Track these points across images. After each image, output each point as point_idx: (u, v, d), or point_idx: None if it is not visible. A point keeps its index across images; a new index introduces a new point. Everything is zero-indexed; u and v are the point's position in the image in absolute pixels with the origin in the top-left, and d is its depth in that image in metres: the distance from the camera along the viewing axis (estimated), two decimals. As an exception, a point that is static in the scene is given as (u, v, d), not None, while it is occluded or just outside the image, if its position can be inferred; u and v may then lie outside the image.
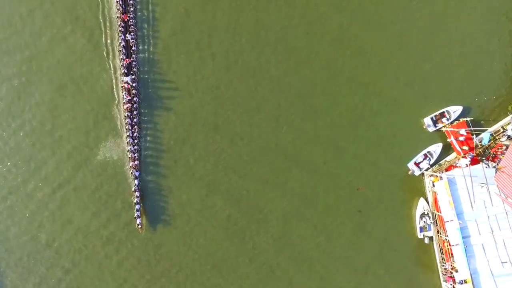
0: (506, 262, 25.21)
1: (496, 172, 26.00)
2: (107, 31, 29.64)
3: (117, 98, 29.50)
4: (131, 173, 28.60)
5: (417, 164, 28.73)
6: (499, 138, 28.54)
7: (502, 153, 27.11)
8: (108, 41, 29.72)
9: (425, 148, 28.91)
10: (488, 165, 26.49)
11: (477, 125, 28.78)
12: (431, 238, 28.61)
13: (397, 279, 29.29)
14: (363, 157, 29.65)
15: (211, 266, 28.42)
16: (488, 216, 25.70)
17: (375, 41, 30.37)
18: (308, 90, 30.18)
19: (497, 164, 26.16)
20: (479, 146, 28.16)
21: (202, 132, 29.61)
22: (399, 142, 29.36)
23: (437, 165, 28.78)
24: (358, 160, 29.64)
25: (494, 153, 28.07)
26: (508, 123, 28.38)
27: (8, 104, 29.98)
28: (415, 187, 29.15)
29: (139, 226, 27.93)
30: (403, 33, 30.38)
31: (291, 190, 29.33)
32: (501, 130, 28.43)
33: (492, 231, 25.50)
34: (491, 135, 28.62)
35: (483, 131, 27.88)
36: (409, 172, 28.92)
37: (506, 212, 25.32)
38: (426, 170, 28.62)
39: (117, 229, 28.72)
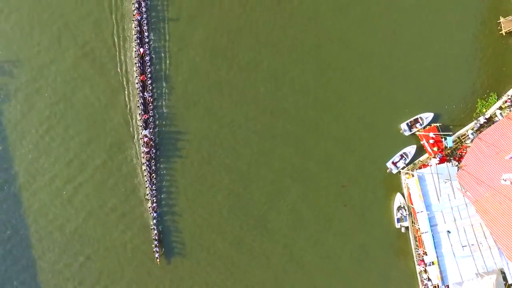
0: (465, 245, 30.51)
1: (458, 170, 31.22)
2: (129, 90, 33.83)
3: (137, 148, 33.73)
4: (150, 213, 33.19)
5: (394, 164, 33.92)
6: (464, 141, 33.80)
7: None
8: (127, 98, 33.96)
9: (402, 150, 34.01)
10: (453, 164, 31.64)
11: (446, 130, 33.95)
12: (407, 228, 33.88)
13: (378, 264, 34.54)
14: (348, 159, 34.75)
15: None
16: (452, 208, 30.94)
17: (354, 56, 35.33)
18: (295, 104, 34.89)
19: (459, 163, 31.37)
20: (448, 148, 33.39)
21: (212, 175, 33.91)
22: (379, 144, 34.43)
23: (411, 164, 33.98)
24: (344, 161, 34.77)
25: (460, 153, 33.30)
26: (472, 128, 33.66)
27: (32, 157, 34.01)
28: (393, 184, 34.35)
29: (157, 259, 32.73)
30: (380, 49, 35.31)
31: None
32: (466, 134, 33.67)
33: (455, 220, 30.77)
34: (458, 138, 33.90)
35: (451, 135, 33.04)
36: (388, 171, 34.11)
37: (466, 204, 30.55)
38: (402, 168, 33.79)
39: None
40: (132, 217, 33.63)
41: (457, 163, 31.67)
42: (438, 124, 33.80)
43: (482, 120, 33.70)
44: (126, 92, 34.05)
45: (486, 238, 30.21)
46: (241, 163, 34.27)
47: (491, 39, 35.07)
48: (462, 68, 35.15)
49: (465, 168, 30.75)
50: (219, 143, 34.19)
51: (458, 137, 34.04)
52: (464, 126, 34.23)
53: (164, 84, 34.29)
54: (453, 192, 31.01)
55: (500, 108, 33.80)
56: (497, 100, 34.06)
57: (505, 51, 34.73)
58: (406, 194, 33.47)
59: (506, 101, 33.59)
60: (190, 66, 34.54)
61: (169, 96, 34.36)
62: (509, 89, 34.20)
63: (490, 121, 33.77)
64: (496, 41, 34.94)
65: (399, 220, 33.63)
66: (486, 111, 34.00)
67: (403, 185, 33.64)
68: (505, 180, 29.00)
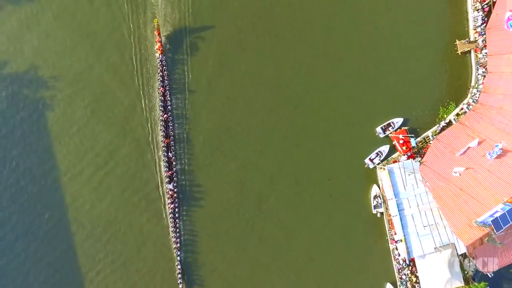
0: (426, 226, 39.05)
1: (420, 165, 39.83)
2: (155, 150, 41.64)
3: (162, 198, 41.70)
4: (175, 252, 41.08)
5: (371, 160, 42.32)
6: (429, 141, 42.41)
7: (429, 152, 40.96)
8: (156, 158, 41.79)
9: (377, 148, 42.33)
10: (416, 160, 40.26)
11: (413, 132, 42.47)
12: (381, 213, 42.44)
13: (359, 244, 42.83)
14: (333, 157, 43.04)
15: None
16: (415, 195, 39.50)
17: (343, 71, 43.74)
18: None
19: (421, 159, 40.00)
20: (414, 147, 42.00)
21: (228, 219, 41.89)
22: (359, 144, 42.60)
23: (385, 161, 42.44)
24: (330, 158, 43.14)
25: (425, 152, 41.90)
26: (435, 131, 42.25)
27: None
28: (370, 177, 42.69)
29: (180, 286, 40.72)
30: (362, 66, 43.68)
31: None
32: (430, 135, 42.29)
33: (418, 205, 39.35)
34: (423, 139, 42.45)
35: (414, 136, 41.63)
36: (365, 166, 42.54)
37: (426, 192, 39.08)
38: (378, 164, 42.31)
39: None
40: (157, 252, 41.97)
41: (420, 159, 40.23)
42: (407, 128, 42.23)
43: (442, 124, 42.30)
44: (153, 151, 41.83)
45: (441, 219, 38.78)
46: (248, 203, 42.39)
47: (450, 58, 43.56)
48: (427, 81, 43.52)
49: (426, 163, 39.36)
50: (231, 191, 42.44)
51: (424, 138, 42.57)
52: (429, 129, 42.62)
53: (185, 145, 42.38)
54: (416, 182, 39.59)
55: (457, 114, 42.39)
56: (455, 108, 42.67)
57: (461, 67, 43.28)
58: (380, 185, 41.98)
59: (462, 109, 42.21)
60: (206, 130, 42.49)
61: (189, 155, 42.41)
62: (464, 99, 42.85)
63: (449, 125, 42.35)
64: (454, 59, 43.44)
65: (375, 207, 42.10)
66: (446, 117, 42.49)
67: (378, 178, 42.12)
68: (455, 172, 37.63)
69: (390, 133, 42.21)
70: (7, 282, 41.62)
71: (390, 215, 40.44)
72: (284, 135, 43.26)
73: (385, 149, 42.35)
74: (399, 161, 41.07)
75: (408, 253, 39.48)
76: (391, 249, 42.29)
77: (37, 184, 41.99)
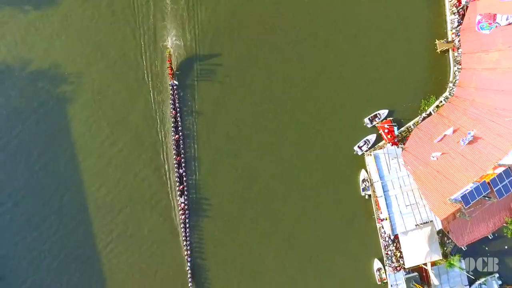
0: (408, 205, 44.68)
1: (402, 151, 45.49)
2: (168, 167, 47.49)
3: (175, 213, 47.52)
4: (186, 259, 46.71)
5: (360, 147, 47.92)
6: (411, 130, 48.00)
7: (411, 140, 46.59)
8: (168, 174, 47.55)
9: (365, 137, 48.02)
10: (399, 147, 45.92)
11: (397, 122, 48.14)
12: (369, 195, 48.08)
13: (349, 223, 48.50)
14: (326, 144, 48.72)
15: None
16: (398, 177, 45.14)
17: (336, 68, 49.36)
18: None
19: (403, 146, 45.68)
20: (399, 135, 47.64)
21: (232, 229, 47.75)
22: (348, 133, 48.18)
23: (372, 148, 48.12)
24: (323, 146, 48.78)
25: (407, 139, 47.48)
26: (417, 121, 47.87)
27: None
28: (359, 162, 48.27)
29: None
30: (352, 65, 49.33)
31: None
32: (412, 125, 47.92)
33: (401, 187, 44.99)
34: (407, 128, 48.03)
35: (397, 126, 47.25)
36: (355, 153, 48.17)
37: (408, 175, 44.71)
38: (365, 151, 47.92)
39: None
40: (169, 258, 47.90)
41: (402, 145, 45.89)
42: (391, 118, 47.95)
43: (424, 115, 47.96)
44: (165, 168, 47.74)
45: (421, 199, 44.40)
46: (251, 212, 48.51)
47: (431, 56, 49.24)
48: (410, 77, 49.13)
49: (407, 149, 45.02)
50: (235, 203, 48.32)
51: (407, 128, 48.21)
52: (411, 120, 48.32)
53: (194, 162, 48.32)
54: (399, 166, 45.24)
55: (437, 106, 48.10)
56: (435, 101, 48.33)
57: (441, 65, 48.95)
58: (368, 170, 47.58)
59: (441, 101, 47.91)
60: (213, 149, 48.40)
61: (198, 171, 48.35)
62: (443, 93, 48.55)
63: (430, 116, 48.04)
64: (434, 57, 49.13)
65: (363, 189, 47.72)
66: (427, 108, 48.15)
67: (366, 163, 47.74)
68: (433, 157, 43.27)
69: (377, 123, 47.85)
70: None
71: (376, 196, 45.96)
72: (282, 139, 49.00)
73: (372, 137, 47.97)
74: (384, 148, 46.61)
75: (392, 230, 45.05)
76: (378, 228, 47.91)
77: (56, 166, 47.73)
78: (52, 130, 48.53)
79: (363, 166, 48.22)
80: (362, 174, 47.73)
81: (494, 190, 38.55)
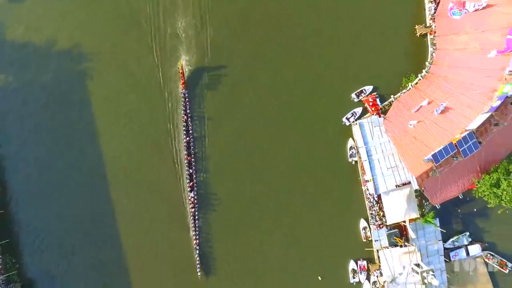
0: (389, 167, 51.82)
1: (384, 120, 52.66)
2: (179, 166, 54.84)
3: (185, 204, 54.73)
4: (195, 247, 53.83)
5: (347, 119, 54.90)
6: (391, 103, 55.10)
7: (393, 112, 53.79)
8: (180, 173, 54.88)
9: (352, 110, 55.21)
10: (381, 117, 53.05)
11: (381, 97, 55.15)
12: (356, 162, 55.19)
13: (337, 186, 55.58)
14: (318, 117, 55.78)
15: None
16: (380, 143, 52.25)
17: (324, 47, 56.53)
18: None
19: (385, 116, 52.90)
20: (382, 108, 54.73)
21: (237, 221, 54.91)
22: (337, 107, 55.35)
23: (359, 119, 55.25)
24: (314, 119, 55.75)
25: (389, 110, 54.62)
26: (398, 96, 54.99)
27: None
28: (347, 132, 55.17)
29: (199, 274, 53.65)
30: (341, 45, 56.54)
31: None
32: (393, 99, 55.04)
33: (382, 151, 52.13)
34: (389, 102, 55.16)
35: (384, 100, 54.30)
36: (343, 123, 55.28)
37: (388, 141, 51.85)
38: (353, 122, 55.01)
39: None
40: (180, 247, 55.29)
41: (384, 116, 53.07)
42: (376, 93, 55.13)
43: (404, 91, 55.08)
44: (178, 169, 54.97)
45: (400, 162, 51.56)
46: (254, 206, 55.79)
47: (412, 39, 56.17)
48: (393, 57, 55.93)
49: (388, 118, 52.19)
50: (240, 198, 55.53)
51: (389, 102, 55.32)
52: (394, 95, 55.59)
53: (203, 162, 55.71)
54: (381, 133, 52.38)
55: (416, 83, 55.27)
56: (415, 79, 55.46)
57: (420, 47, 56.02)
58: (354, 138, 54.68)
59: (419, 79, 55.04)
60: (220, 150, 55.63)
61: (207, 170, 55.61)
62: (422, 72, 55.69)
63: (409, 90, 55.10)
64: (415, 40, 56.16)
65: (350, 156, 54.81)
66: (408, 85, 55.38)
67: (353, 132, 54.83)
68: (410, 125, 50.42)
69: (363, 97, 54.98)
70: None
71: (361, 160, 53.08)
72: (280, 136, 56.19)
73: (358, 110, 55.12)
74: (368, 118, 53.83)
75: (376, 190, 52.17)
76: (363, 191, 55.03)
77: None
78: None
79: (351, 135, 55.33)
80: (350, 143, 54.83)
81: (460, 150, 45.71)
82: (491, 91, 47.69)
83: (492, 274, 55.74)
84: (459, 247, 55.55)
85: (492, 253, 55.74)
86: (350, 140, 54.88)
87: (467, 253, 55.25)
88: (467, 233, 55.76)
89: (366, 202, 55.01)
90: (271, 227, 55.36)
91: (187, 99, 54.51)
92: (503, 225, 56.25)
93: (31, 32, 55.96)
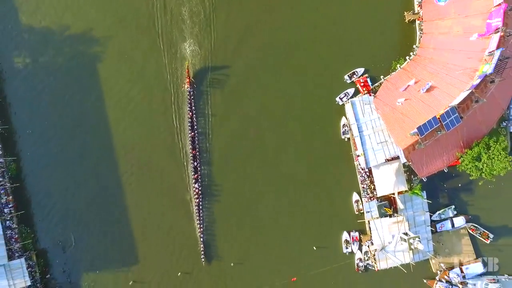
0: (379, 142, 56.14)
1: (374, 98, 57.03)
2: (185, 159, 59.13)
3: (190, 194, 59.21)
4: (199, 235, 58.38)
5: (341, 98, 59.37)
6: (381, 84, 59.46)
7: (382, 92, 58.23)
8: (185, 166, 59.23)
9: (345, 90, 59.65)
10: (371, 95, 57.44)
11: (372, 78, 59.72)
12: (348, 138, 59.53)
13: (331, 161, 59.99)
14: (314, 98, 60.17)
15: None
16: (371, 120, 56.61)
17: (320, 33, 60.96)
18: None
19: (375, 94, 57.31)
20: (373, 89, 59.14)
21: (239, 210, 59.49)
22: (331, 87, 59.82)
23: (351, 99, 59.66)
24: (312, 100, 60.10)
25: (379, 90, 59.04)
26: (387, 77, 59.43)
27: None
28: (340, 111, 59.67)
29: (203, 260, 58.05)
30: (335, 31, 61.00)
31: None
32: (383, 80, 59.43)
33: (373, 127, 56.46)
34: (379, 83, 59.57)
35: (375, 81, 58.73)
36: (336, 103, 59.66)
37: (378, 117, 56.19)
38: (345, 101, 59.35)
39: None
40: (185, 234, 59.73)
41: (374, 94, 57.47)
42: (367, 75, 59.56)
43: (393, 73, 59.49)
44: (184, 162, 59.25)
45: (389, 137, 55.89)
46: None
47: (401, 25, 60.86)
48: (383, 42, 60.58)
49: (378, 97, 56.61)
50: (240, 188, 59.95)
51: (380, 83, 59.73)
52: (384, 76, 59.96)
53: (207, 155, 59.96)
54: (372, 111, 56.75)
55: (404, 65, 59.63)
56: (404, 62, 59.80)
57: (408, 32, 60.51)
58: (347, 116, 59.03)
59: (407, 61, 59.39)
60: (223, 144, 59.88)
61: (210, 162, 59.89)
62: (410, 54, 60.04)
63: (397, 71, 59.47)
64: (403, 25, 60.75)
65: (343, 133, 59.22)
66: (397, 68, 59.75)
67: (346, 111, 59.19)
68: (399, 102, 54.81)
69: (355, 79, 59.38)
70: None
71: (353, 136, 57.46)
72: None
73: (351, 90, 59.55)
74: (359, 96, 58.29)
75: (366, 163, 56.48)
76: (356, 166, 59.40)
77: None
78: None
79: (343, 114, 59.71)
80: (343, 121, 59.21)
81: (443, 124, 50.10)
82: (472, 71, 52.11)
83: (475, 245, 60.11)
84: (445, 219, 59.90)
85: (475, 225, 60.14)
86: (343, 118, 59.21)
87: (452, 225, 59.62)
88: (453, 207, 60.18)
89: (358, 176, 59.33)
90: (270, 210, 60.00)
91: (192, 97, 58.55)
92: (486, 199, 60.82)
93: (47, 18, 60.29)
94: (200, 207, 58.70)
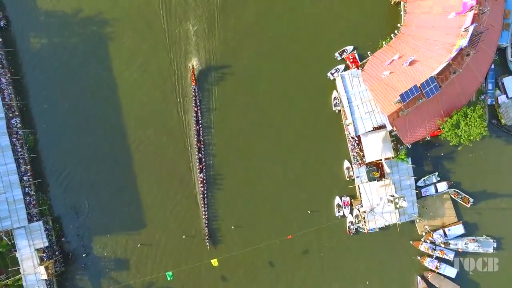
0: (367, 112, 61.90)
1: (362, 72, 62.83)
2: (191, 150, 64.94)
3: (195, 183, 64.97)
4: (203, 222, 64.00)
5: (332, 74, 65.24)
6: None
7: (370, 67, 64.14)
8: (191, 156, 64.98)
9: (335, 66, 65.55)
10: (360, 69, 63.27)
11: (360, 56, 65.57)
12: (339, 110, 65.28)
13: (324, 133, 65.70)
14: (308, 76, 65.93)
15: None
16: (359, 92, 62.41)
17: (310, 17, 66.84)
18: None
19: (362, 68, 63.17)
20: (362, 64, 64.93)
21: (242, 197, 65.44)
22: (322, 64, 65.71)
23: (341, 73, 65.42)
24: (305, 78, 65.87)
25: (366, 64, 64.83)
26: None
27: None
28: (331, 85, 65.53)
29: (207, 245, 63.78)
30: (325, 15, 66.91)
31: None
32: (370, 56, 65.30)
33: (361, 98, 62.26)
34: (367, 59, 65.35)
35: (363, 59, 64.57)
36: (327, 78, 65.44)
37: (366, 89, 62.01)
38: (336, 76, 65.13)
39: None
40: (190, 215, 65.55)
41: (362, 69, 63.30)
42: (355, 52, 65.38)
43: (380, 50, 65.31)
44: (189, 153, 65.01)
45: (376, 107, 61.64)
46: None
47: (387, 6, 66.78)
48: (371, 23, 66.29)
49: (366, 70, 62.44)
50: (245, 178, 65.68)
51: (367, 59, 65.51)
52: (372, 53, 65.83)
53: (211, 147, 65.82)
54: (360, 83, 62.55)
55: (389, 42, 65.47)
56: (389, 40, 65.65)
57: (394, 13, 66.38)
58: (337, 89, 64.78)
59: (392, 38, 65.24)
60: (226, 137, 65.39)
61: (214, 153, 65.61)
62: (395, 33, 65.89)
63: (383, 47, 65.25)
64: (390, 7, 66.61)
65: (334, 105, 65.01)
66: (383, 45, 65.54)
67: (336, 85, 64.97)
68: (384, 75, 60.61)
69: (345, 55, 65.17)
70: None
71: (343, 107, 63.20)
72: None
73: (341, 66, 65.40)
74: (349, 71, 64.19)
75: (356, 131, 62.16)
76: (346, 135, 65.08)
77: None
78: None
79: (334, 88, 65.47)
80: (334, 94, 64.94)
81: (423, 92, 55.84)
82: (450, 45, 57.99)
83: (456, 208, 65.75)
84: (429, 185, 65.49)
85: (457, 190, 65.69)
86: (334, 92, 64.94)
87: (436, 190, 65.27)
88: (436, 173, 65.78)
89: (349, 145, 65.02)
90: (268, 179, 65.82)
91: (197, 94, 64.35)
92: (467, 167, 66.58)
93: (62, 2, 66.08)
94: (205, 195, 64.05)
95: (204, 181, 64.26)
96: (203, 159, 64.57)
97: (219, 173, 65.67)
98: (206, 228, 63.85)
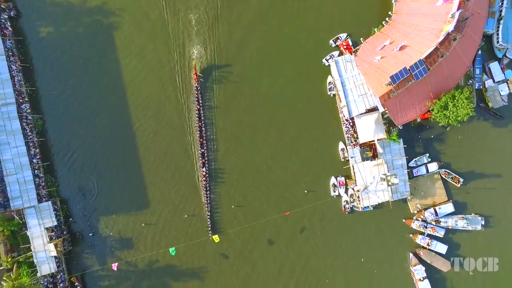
0: (360, 95, 65.44)
1: (355, 57, 66.41)
2: (193, 146, 68.60)
3: (198, 177, 68.61)
4: (206, 214, 67.58)
5: (326, 60, 68.82)
6: (363, 47, 68.95)
7: (363, 53, 67.69)
8: (194, 150, 68.67)
9: (330, 53, 69.13)
10: (353, 54, 66.84)
11: (354, 43, 69.17)
12: (334, 95, 68.79)
13: (318, 114, 69.12)
14: (304, 62, 69.50)
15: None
16: (352, 76, 65.96)
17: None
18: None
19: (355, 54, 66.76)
20: (355, 51, 68.52)
21: (243, 190, 69.08)
22: (318, 51, 69.32)
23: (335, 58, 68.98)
24: (302, 64, 69.47)
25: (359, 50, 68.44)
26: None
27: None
28: (326, 71, 69.23)
29: (210, 234, 67.19)
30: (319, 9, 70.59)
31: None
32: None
33: (354, 82, 65.82)
34: (360, 46, 68.93)
35: (356, 45, 68.17)
36: (322, 64, 69.01)
37: (359, 73, 65.59)
38: (331, 62, 68.72)
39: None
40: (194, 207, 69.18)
41: (355, 54, 66.89)
42: (349, 39, 68.99)
43: (372, 36, 68.89)
44: (192, 148, 68.73)
45: (369, 90, 65.18)
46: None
47: (379, -4, 70.77)
48: (364, 11, 69.96)
49: (358, 55, 66.04)
50: (245, 173, 69.17)
51: (360, 46, 69.14)
52: (364, 39, 69.41)
53: (213, 143, 69.49)
54: (353, 67, 66.11)
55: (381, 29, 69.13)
56: (381, 26, 69.25)
57: (385, 1, 69.92)
58: (332, 74, 68.32)
59: (383, 25, 68.86)
60: (227, 133, 69.13)
61: (216, 148, 69.34)
62: (386, 21, 69.46)
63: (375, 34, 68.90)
64: (382, -4, 70.69)
65: (329, 89, 68.56)
66: (375, 32, 69.13)
67: (331, 70, 68.51)
68: (376, 59, 64.18)
69: (339, 42, 68.74)
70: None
71: (337, 90, 66.73)
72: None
73: (335, 53, 69.00)
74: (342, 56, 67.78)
75: (349, 113, 65.68)
76: (341, 118, 68.60)
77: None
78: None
79: (329, 73, 69.00)
80: (329, 79, 68.47)
81: (413, 74, 59.37)
82: (438, 31, 61.56)
83: (447, 188, 69.12)
84: (420, 165, 68.90)
85: (448, 170, 69.07)
86: (329, 77, 68.46)
87: (427, 170, 68.65)
88: (427, 154, 69.21)
89: (343, 127, 68.50)
90: (268, 160, 69.36)
91: (199, 91, 68.06)
92: (456, 148, 70.00)
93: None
94: (208, 188, 67.53)
95: (207, 176, 67.71)
96: (205, 154, 68.13)
97: (221, 157, 69.35)
98: (208, 218, 67.33)
